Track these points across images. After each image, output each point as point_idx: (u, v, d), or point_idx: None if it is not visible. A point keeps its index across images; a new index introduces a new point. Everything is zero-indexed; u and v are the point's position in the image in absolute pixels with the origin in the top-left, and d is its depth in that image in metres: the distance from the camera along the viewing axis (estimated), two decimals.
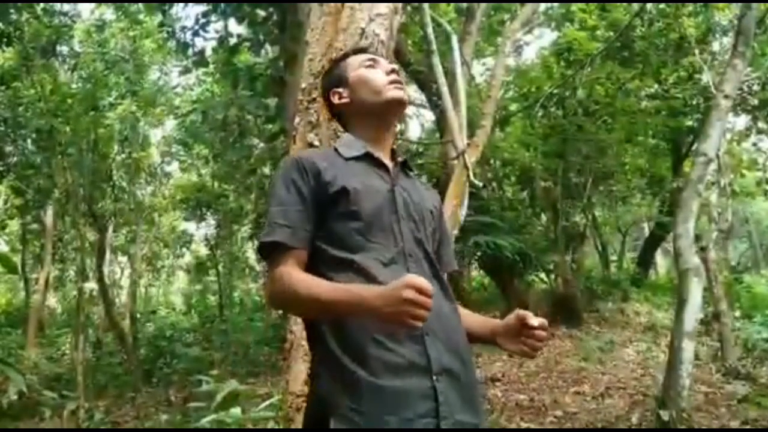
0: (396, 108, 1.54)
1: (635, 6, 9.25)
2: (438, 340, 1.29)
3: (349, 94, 1.56)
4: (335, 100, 1.59)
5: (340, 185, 1.37)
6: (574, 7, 10.40)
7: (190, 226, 17.08)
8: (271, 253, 1.35)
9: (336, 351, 1.27)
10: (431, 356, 1.26)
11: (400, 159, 1.54)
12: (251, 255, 16.29)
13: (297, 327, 2.09)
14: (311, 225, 1.37)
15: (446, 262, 1.59)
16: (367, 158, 1.48)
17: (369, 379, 1.22)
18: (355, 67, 1.57)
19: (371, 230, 1.36)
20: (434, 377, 1.24)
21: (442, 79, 4.82)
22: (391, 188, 1.44)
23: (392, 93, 1.50)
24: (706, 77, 8.71)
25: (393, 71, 1.54)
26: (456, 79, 4.88)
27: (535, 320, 1.34)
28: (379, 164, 1.48)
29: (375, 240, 1.35)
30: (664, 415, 4.13)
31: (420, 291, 1.12)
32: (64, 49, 10.01)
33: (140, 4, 9.99)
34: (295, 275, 1.31)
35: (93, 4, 11.14)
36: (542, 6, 11.05)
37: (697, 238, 5.58)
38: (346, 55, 1.65)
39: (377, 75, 1.53)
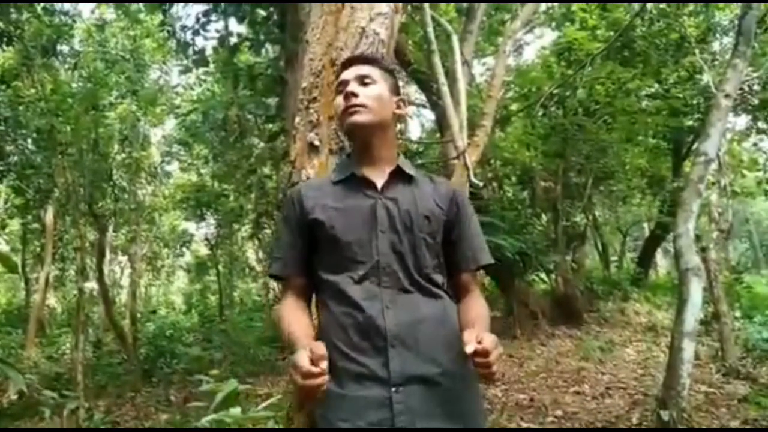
0: (355, 133, 1.56)
1: (636, 6, 9.24)
2: (406, 350, 1.34)
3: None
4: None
5: (316, 214, 1.48)
6: (575, 6, 10.38)
7: (191, 226, 17.12)
8: (277, 281, 1.62)
9: None
10: (392, 368, 1.32)
11: (390, 168, 1.54)
12: (251, 255, 16.30)
13: None
14: (298, 250, 1.53)
15: (467, 258, 1.58)
16: (352, 179, 1.53)
17: (334, 389, 1.33)
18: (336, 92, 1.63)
19: (350, 250, 1.44)
20: (393, 388, 1.30)
21: (442, 79, 4.80)
22: (374, 204, 1.47)
23: (347, 121, 1.54)
24: (707, 77, 8.71)
25: (348, 96, 1.53)
26: (456, 79, 4.87)
27: (470, 346, 1.22)
28: (364, 182, 1.51)
29: (355, 258, 1.43)
30: (664, 414, 4.12)
31: (301, 373, 1.20)
32: (64, 48, 9.99)
33: (140, 4, 9.98)
34: (282, 305, 1.52)
35: (93, 4, 11.15)
36: (543, 6, 11.05)
37: (698, 238, 5.58)
38: (337, 75, 1.67)
39: (339, 102, 1.57)
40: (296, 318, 1.46)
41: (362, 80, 1.55)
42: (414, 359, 1.34)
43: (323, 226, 1.46)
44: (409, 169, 1.58)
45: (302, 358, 1.21)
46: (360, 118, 1.51)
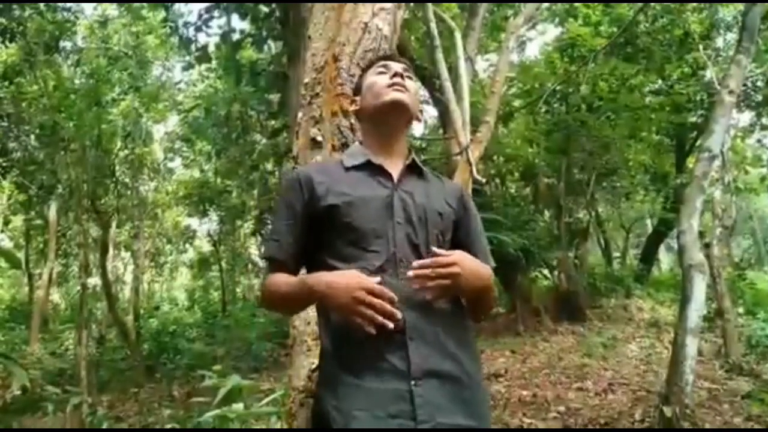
0: (392, 111, 1.52)
1: (639, 2, 9.22)
2: (424, 343, 1.31)
3: (360, 100, 1.60)
4: (352, 107, 1.65)
5: (331, 200, 1.43)
6: (578, 2, 10.37)
7: (193, 222, 17.18)
8: (267, 265, 1.52)
9: (329, 352, 1.39)
10: (412, 361, 1.29)
11: (407, 161, 1.53)
12: (254, 251, 16.33)
13: (299, 322, 2.09)
14: (297, 236, 1.47)
15: None
16: (368, 166, 1.50)
17: (350, 379, 1.30)
18: (369, 74, 1.60)
19: (366, 239, 1.39)
20: (413, 381, 1.27)
21: (445, 75, 4.80)
22: (390, 194, 1.44)
23: (389, 96, 1.50)
24: (710, 73, 8.69)
25: (396, 75, 1.53)
26: (459, 75, 4.86)
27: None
28: (380, 171, 1.49)
29: (370, 248, 1.39)
30: (667, 411, 4.12)
31: (371, 292, 1.24)
32: (67, 44, 10.01)
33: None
34: (271, 279, 1.46)
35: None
36: None
37: (701, 234, 5.56)
38: (371, 64, 1.66)
39: (382, 79, 1.54)
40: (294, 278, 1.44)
41: (405, 72, 1.56)
42: (433, 354, 1.32)
43: (338, 214, 1.41)
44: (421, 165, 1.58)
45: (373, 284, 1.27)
46: (405, 97, 1.51)
